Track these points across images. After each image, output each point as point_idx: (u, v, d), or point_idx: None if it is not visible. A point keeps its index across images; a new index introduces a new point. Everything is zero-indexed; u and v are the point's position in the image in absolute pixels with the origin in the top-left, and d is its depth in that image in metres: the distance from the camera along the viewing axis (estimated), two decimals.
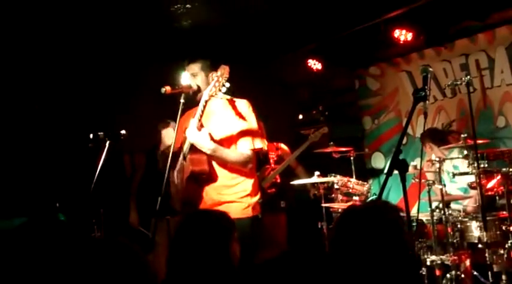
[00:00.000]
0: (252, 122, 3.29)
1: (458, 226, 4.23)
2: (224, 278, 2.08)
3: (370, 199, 4.64)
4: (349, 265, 1.66)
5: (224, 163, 3.25)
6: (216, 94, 3.02)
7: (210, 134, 3.24)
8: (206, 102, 3.08)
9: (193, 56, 3.41)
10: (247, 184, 3.29)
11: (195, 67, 3.35)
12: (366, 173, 6.41)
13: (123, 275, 1.26)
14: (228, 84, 3.02)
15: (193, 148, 3.21)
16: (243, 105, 3.33)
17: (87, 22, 5.13)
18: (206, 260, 2.11)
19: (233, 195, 3.25)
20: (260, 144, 3.30)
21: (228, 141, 3.26)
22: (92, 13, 4.99)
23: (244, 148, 3.25)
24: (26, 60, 5.28)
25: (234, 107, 3.29)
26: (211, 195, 3.28)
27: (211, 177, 3.27)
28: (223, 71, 3.01)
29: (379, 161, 6.67)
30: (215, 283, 2.06)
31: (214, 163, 3.26)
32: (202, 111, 3.10)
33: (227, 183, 3.27)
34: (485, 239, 3.87)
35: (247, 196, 3.27)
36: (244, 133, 3.25)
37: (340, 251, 1.71)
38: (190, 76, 3.33)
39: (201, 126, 3.16)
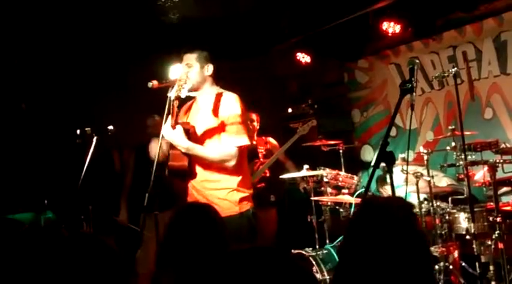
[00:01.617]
0: (237, 117, 3.20)
1: (446, 217, 4.26)
2: (217, 269, 2.05)
3: (358, 192, 4.65)
4: (366, 263, 1.61)
5: (205, 160, 3.21)
6: (178, 94, 3.03)
7: (194, 129, 3.23)
8: (173, 101, 3.05)
9: (190, 46, 3.39)
10: (232, 181, 3.22)
11: (191, 57, 3.32)
12: (356, 166, 6.42)
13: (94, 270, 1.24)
14: (187, 86, 3.06)
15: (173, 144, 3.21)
16: (230, 98, 3.26)
17: (74, 18, 5.08)
18: (200, 252, 2.09)
19: (218, 191, 3.21)
20: (246, 140, 3.22)
21: (211, 136, 3.22)
22: (78, 9, 4.94)
23: (226, 144, 3.18)
24: (12, 59, 5.22)
25: (220, 101, 3.24)
26: (198, 189, 3.27)
27: (192, 173, 3.25)
28: (183, 73, 3.06)
29: (369, 154, 6.69)
30: (208, 274, 2.04)
31: (197, 159, 3.24)
32: (173, 110, 3.07)
33: (211, 179, 3.24)
34: (472, 231, 3.90)
35: (232, 191, 3.21)
36: (227, 129, 3.18)
37: (357, 249, 1.65)
38: (184, 66, 3.30)
39: (176, 123, 3.13)
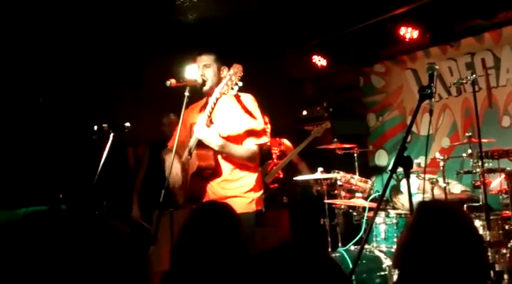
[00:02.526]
0: (257, 117, 3.30)
1: None
2: (235, 269, 2.04)
3: (372, 196, 4.63)
4: (428, 270, 1.59)
5: (230, 159, 3.25)
6: (227, 92, 3.04)
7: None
8: (217, 99, 3.07)
9: (207, 47, 3.41)
10: (250, 178, 3.30)
11: (209, 58, 3.33)
12: (369, 170, 6.40)
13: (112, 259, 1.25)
14: (240, 83, 3.02)
15: (199, 144, 3.21)
16: (248, 100, 3.33)
17: (92, 14, 5.12)
18: (217, 252, 2.08)
19: (237, 189, 3.26)
20: (265, 138, 3.36)
21: (235, 137, 3.26)
22: (96, 5, 4.98)
23: (250, 144, 3.26)
24: (30, 53, 5.27)
25: (240, 102, 3.29)
26: (215, 189, 3.29)
27: (216, 172, 3.27)
28: (237, 69, 3.00)
29: (383, 158, 6.67)
30: (225, 273, 2.03)
31: (219, 158, 3.27)
32: (212, 108, 3.10)
33: (231, 178, 3.28)
34: (488, 238, 3.86)
35: (250, 190, 3.28)
36: (250, 129, 3.26)
37: (419, 255, 1.63)
38: (201, 67, 3.30)
39: (210, 122, 3.16)
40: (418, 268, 1.62)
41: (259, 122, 3.31)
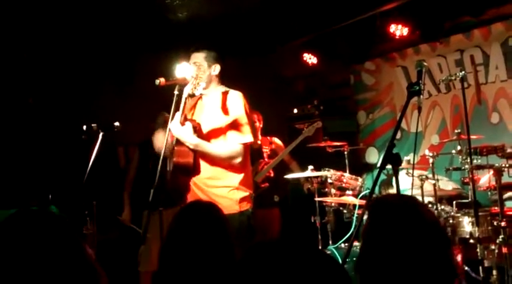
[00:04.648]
0: (242, 115, 3.24)
1: (450, 221, 4.25)
2: (223, 270, 2.03)
3: (362, 193, 4.64)
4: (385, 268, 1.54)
5: (211, 157, 3.23)
6: (193, 92, 3.10)
7: (199, 127, 3.24)
8: (186, 98, 3.11)
9: (198, 45, 3.40)
10: (234, 179, 3.25)
11: (199, 56, 3.33)
12: (360, 168, 6.42)
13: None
14: (203, 84, 3.12)
15: (180, 141, 3.23)
16: (235, 97, 3.29)
17: (81, 14, 5.09)
18: (205, 252, 2.07)
19: (219, 189, 3.23)
20: (250, 137, 3.25)
21: (217, 134, 3.25)
22: (86, 5, 4.95)
23: (232, 142, 3.22)
24: (19, 53, 5.24)
25: (226, 99, 3.27)
26: (199, 185, 3.30)
27: (196, 170, 3.27)
28: (197, 71, 3.12)
29: (373, 156, 6.69)
30: (213, 273, 2.02)
31: (201, 156, 3.26)
32: (184, 107, 3.11)
33: (213, 175, 3.26)
34: (476, 235, 3.88)
35: (233, 190, 3.24)
36: (233, 126, 3.22)
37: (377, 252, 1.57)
38: (192, 65, 3.31)
39: (185, 120, 3.16)
40: (377, 268, 1.56)
41: (243, 119, 3.23)
